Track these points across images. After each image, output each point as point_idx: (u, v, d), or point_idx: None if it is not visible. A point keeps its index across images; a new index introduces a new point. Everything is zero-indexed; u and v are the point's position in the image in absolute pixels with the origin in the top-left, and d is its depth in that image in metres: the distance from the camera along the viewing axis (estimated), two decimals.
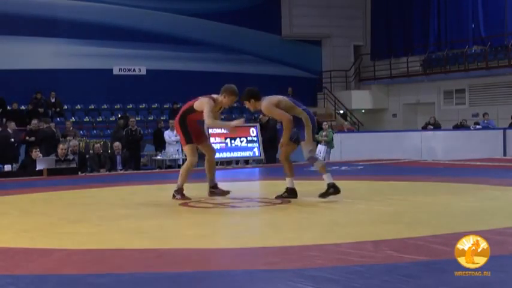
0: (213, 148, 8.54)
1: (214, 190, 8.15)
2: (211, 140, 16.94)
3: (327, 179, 7.58)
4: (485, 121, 21.06)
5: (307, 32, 26.91)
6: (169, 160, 17.48)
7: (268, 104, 7.65)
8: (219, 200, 8.07)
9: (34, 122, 17.14)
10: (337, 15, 27.11)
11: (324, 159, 16.87)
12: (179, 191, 7.95)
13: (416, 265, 4.14)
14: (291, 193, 7.80)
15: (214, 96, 8.02)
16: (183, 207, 7.57)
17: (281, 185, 8.21)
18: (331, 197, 7.55)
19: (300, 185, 8.18)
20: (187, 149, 7.99)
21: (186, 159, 18.59)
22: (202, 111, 7.77)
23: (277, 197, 7.81)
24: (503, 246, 4.68)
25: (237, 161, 16.63)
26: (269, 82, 25.28)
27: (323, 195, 7.55)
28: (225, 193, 8.12)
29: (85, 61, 23.04)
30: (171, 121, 18.26)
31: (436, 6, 25.62)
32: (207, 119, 7.67)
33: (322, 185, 7.72)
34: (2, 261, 4.69)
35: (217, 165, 16.70)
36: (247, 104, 7.93)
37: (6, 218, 7.10)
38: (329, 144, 18.48)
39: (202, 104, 7.82)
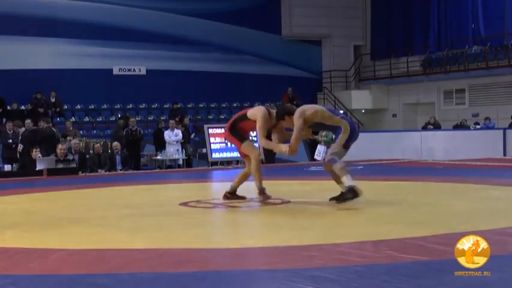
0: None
1: (229, 196, 7.83)
2: (212, 140, 17.00)
3: (347, 182, 7.14)
4: (486, 124, 21.06)
5: (307, 32, 26.91)
6: (169, 160, 17.48)
7: (297, 113, 7.25)
8: (219, 200, 8.07)
9: (27, 121, 17.02)
10: (337, 15, 27.10)
11: (324, 160, 16.82)
12: (262, 191, 7.52)
13: (416, 265, 4.15)
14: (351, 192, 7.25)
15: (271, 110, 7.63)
16: (183, 207, 7.57)
17: (281, 185, 8.21)
18: (331, 198, 7.52)
19: (300, 185, 8.19)
20: (244, 148, 7.60)
21: (188, 158, 18.59)
22: (255, 121, 7.48)
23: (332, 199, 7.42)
24: (503, 246, 4.68)
25: (237, 161, 16.65)
26: (269, 82, 25.31)
27: (338, 198, 7.22)
28: (241, 198, 7.85)
29: (85, 61, 23.03)
30: (171, 121, 18.28)
31: (436, 6, 25.61)
32: (259, 134, 7.46)
33: (321, 185, 7.72)
34: (2, 261, 4.69)
35: (217, 165, 16.80)
36: (284, 124, 7.45)
37: (6, 218, 7.10)
38: (329, 144, 18.45)
39: (255, 114, 7.49)
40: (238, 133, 7.63)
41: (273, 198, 7.55)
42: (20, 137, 15.54)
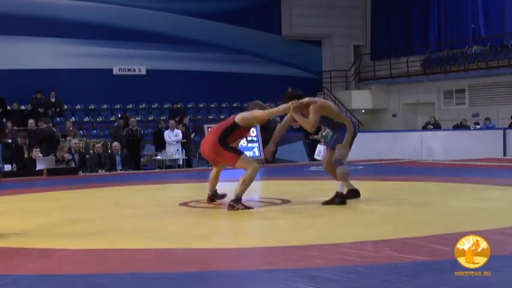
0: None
1: (213, 198, 7.76)
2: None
3: (340, 187, 7.33)
4: (486, 125, 21.07)
5: (307, 32, 26.90)
6: (169, 160, 17.48)
7: (319, 103, 7.37)
8: (220, 200, 8.07)
9: (31, 122, 17.08)
10: (337, 15, 27.09)
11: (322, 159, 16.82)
12: (239, 200, 7.17)
13: (417, 265, 4.15)
14: (354, 194, 7.58)
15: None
16: (183, 207, 7.57)
17: (281, 185, 8.21)
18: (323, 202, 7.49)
19: (300, 185, 8.19)
20: (242, 162, 7.21)
21: (188, 158, 18.53)
22: (246, 128, 7.39)
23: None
24: (503, 246, 4.68)
25: None
26: (269, 82, 25.29)
27: (337, 201, 7.28)
28: (222, 197, 7.77)
29: (85, 61, 23.02)
30: (171, 121, 18.28)
31: (436, 6, 25.61)
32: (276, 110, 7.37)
33: (321, 185, 7.72)
34: (2, 261, 4.70)
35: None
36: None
37: (6, 218, 7.10)
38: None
39: (250, 117, 7.32)
40: (228, 145, 7.24)
41: (246, 208, 7.19)
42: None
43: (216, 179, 7.72)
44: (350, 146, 7.55)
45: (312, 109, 7.25)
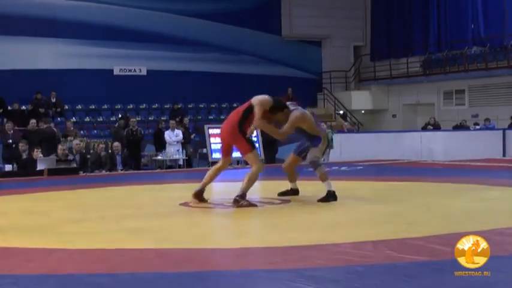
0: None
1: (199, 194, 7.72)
2: (212, 140, 17.00)
3: (327, 186, 7.59)
4: (486, 125, 21.08)
5: (307, 32, 26.91)
6: (170, 160, 17.47)
7: (300, 115, 7.57)
8: (220, 200, 8.07)
9: (32, 121, 17.10)
10: (337, 16, 27.09)
11: (323, 160, 16.83)
12: (243, 197, 7.26)
13: (416, 265, 4.14)
14: (294, 192, 8.05)
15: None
16: (184, 207, 7.56)
17: (281, 185, 8.21)
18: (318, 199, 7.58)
19: (299, 185, 8.19)
20: (251, 157, 7.39)
21: (189, 158, 18.53)
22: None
23: (280, 194, 8.02)
24: (503, 246, 4.68)
25: (237, 161, 16.63)
26: (269, 83, 25.26)
27: (322, 200, 7.54)
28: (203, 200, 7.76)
29: (85, 61, 23.03)
30: (171, 121, 18.28)
31: (435, 7, 25.61)
32: (257, 112, 7.29)
33: (320, 185, 7.72)
34: (3, 260, 4.69)
35: None
36: (279, 116, 7.56)
37: (7, 217, 7.10)
38: (328, 144, 18.44)
39: (260, 99, 7.39)
40: (246, 134, 7.35)
41: (251, 205, 7.28)
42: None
43: (212, 177, 7.75)
44: (324, 153, 7.96)
45: (290, 120, 7.44)
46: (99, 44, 23.32)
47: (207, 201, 7.74)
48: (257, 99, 7.40)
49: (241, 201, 7.19)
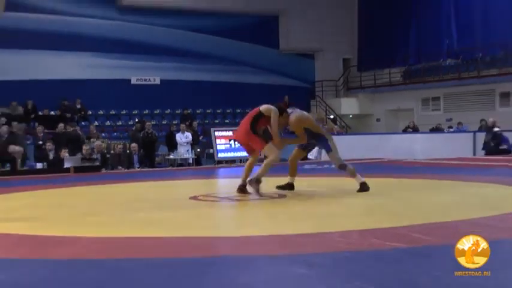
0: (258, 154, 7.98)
1: (243, 188, 7.69)
2: (218, 141, 17.00)
3: (358, 180, 7.67)
4: (459, 128, 21.07)
5: (302, 46, 26.89)
6: (181, 159, 17.47)
7: (298, 119, 7.64)
8: (225, 194, 8.07)
9: (61, 125, 17.13)
10: (328, 32, 27.07)
11: (316, 159, 16.86)
12: (258, 181, 7.29)
13: (398, 251, 4.14)
14: (290, 186, 7.98)
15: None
16: (193, 200, 7.56)
17: (279, 181, 8.21)
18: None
19: (296, 181, 8.18)
20: (268, 149, 7.39)
21: (197, 157, 18.55)
22: (268, 117, 7.44)
23: (278, 187, 7.97)
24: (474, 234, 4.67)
25: (240, 159, 16.65)
26: (268, 91, 25.26)
27: (360, 190, 7.60)
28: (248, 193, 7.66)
29: (107, 72, 23.05)
30: (182, 125, 18.29)
31: (414, 24, 25.62)
32: (274, 127, 7.39)
33: (314, 181, 7.72)
34: (35, 247, 4.71)
35: (222, 163, 16.80)
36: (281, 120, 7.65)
37: (38, 210, 7.11)
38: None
39: (269, 110, 7.48)
40: (258, 133, 7.45)
41: (263, 195, 7.32)
42: None
43: (249, 171, 7.69)
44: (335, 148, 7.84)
45: (294, 124, 7.59)
46: (119, 56, 23.34)
47: (250, 193, 7.62)
48: (269, 110, 7.46)
49: (253, 184, 7.26)
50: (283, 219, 5.99)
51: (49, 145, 15.25)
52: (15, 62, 21.46)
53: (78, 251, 4.49)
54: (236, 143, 16.34)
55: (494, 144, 16.76)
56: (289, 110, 7.71)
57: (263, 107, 7.56)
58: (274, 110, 7.48)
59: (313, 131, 7.71)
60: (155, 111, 23.63)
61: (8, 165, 13.85)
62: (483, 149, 16.98)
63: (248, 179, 7.44)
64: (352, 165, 7.96)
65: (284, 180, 8.12)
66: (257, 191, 7.30)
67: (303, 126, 7.63)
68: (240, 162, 16.18)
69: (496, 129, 17.17)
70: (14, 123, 17.04)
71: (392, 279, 3.45)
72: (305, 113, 7.88)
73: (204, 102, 24.29)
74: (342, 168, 7.75)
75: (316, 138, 7.79)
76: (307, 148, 8.04)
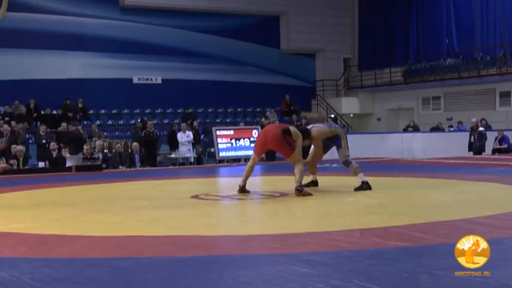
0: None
1: (243, 189, 7.74)
2: (219, 140, 17.00)
3: (360, 178, 7.77)
4: (459, 127, 21.05)
5: (303, 46, 26.88)
6: (182, 158, 17.47)
7: (318, 134, 7.95)
8: (226, 193, 8.06)
9: (64, 124, 17.14)
10: (329, 32, 27.06)
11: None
12: (301, 186, 7.46)
13: (398, 250, 4.13)
14: (314, 184, 8.18)
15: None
16: (194, 199, 7.55)
17: (280, 180, 8.20)
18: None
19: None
20: (294, 158, 7.54)
21: (199, 156, 18.58)
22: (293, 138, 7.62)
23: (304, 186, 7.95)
24: (473, 234, 4.65)
25: (238, 159, 16.65)
26: (269, 90, 25.30)
27: (358, 188, 7.70)
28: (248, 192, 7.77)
29: (108, 72, 23.06)
30: (183, 124, 18.28)
31: (415, 24, 25.58)
32: (298, 152, 7.59)
33: (317, 180, 7.69)
34: (36, 246, 4.69)
35: (223, 162, 16.79)
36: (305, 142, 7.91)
37: (40, 208, 7.10)
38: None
39: (296, 134, 7.67)
40: (288, 142, 7.56)
41: (308, 194, 7.38)
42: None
43: (249, 173, 7.77)
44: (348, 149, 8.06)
45: (314, 141, 7.93)
46: (121, 56, 23.34)
47: (249, 192, 7.72)
48: (296, 135, 7.62)
49: (302, 190, 7.35)
50: (283, 218, 5.98)
51: (53, 144, 15.25)
52: (18, 62, 21.48)
53: (78, 250, 4.48)
54: (237, 142, 16.34)
55: (479, 144, 16.77)
56: (308, 127, 8.11)
57: (292, 129, 7.73)
58: (300, 136, 7.65)
59: (330, 136, 8.01)
60: (157, 111, 23.63)
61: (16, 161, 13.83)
62: (469, 150, 16.93)
63: (296, 187, 7.42)
64: (357, 163, 7.99)
65: (284, 180, 8.11)
66: (305, 194, 7.35)
67: (321, 139, 7.95)
68: (240, 161, 16.18)
69: (480, 129, 17.18)
70: (13, 123, 17.06)
71: (393, 277, 3.44)
72: (322, 127, 8.15)
73: (205, 101, 24.27)
74: (346, 164, 7.89)
75: (332, 139, 8.04)
76: (324, 149, 8.22)
